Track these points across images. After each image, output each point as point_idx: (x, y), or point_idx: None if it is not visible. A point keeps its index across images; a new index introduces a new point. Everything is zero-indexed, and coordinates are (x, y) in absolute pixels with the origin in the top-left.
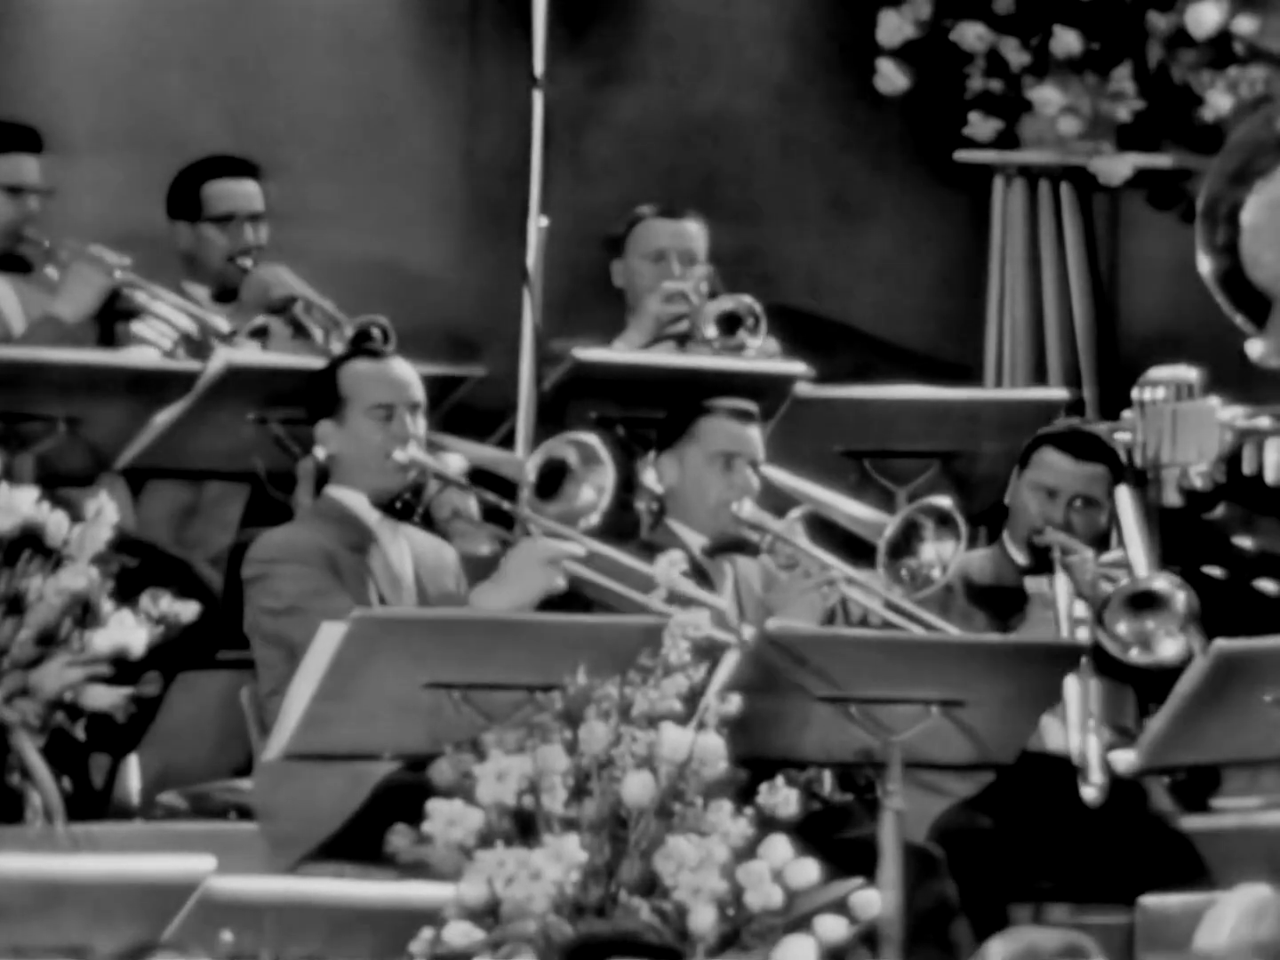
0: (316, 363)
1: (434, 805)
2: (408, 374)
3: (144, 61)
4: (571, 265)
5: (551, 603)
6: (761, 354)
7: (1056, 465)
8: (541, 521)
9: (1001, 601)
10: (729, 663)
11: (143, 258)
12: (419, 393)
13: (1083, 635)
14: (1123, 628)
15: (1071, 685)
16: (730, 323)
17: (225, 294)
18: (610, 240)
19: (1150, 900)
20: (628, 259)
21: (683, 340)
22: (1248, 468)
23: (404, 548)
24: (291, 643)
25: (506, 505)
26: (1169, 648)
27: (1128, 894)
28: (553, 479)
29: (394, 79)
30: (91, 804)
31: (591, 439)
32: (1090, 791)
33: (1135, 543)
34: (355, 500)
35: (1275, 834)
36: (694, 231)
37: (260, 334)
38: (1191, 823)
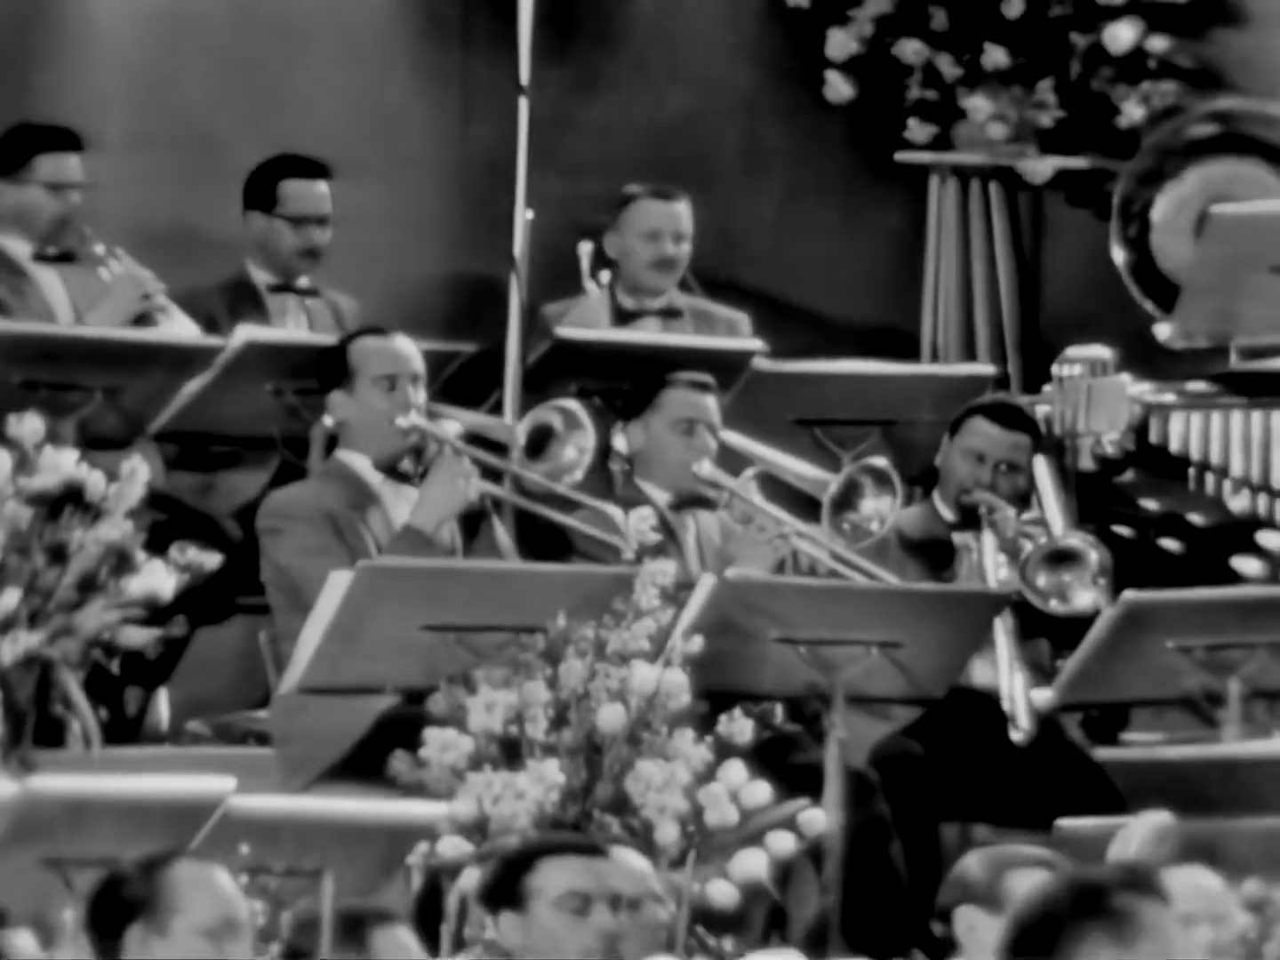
0: (328, 339)
1: (430, 733)
2: (409, 349)
3: (169, 68)
4: (554, 252)
5: (540, 554)
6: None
7: (984, 433)
8: (529, 476)
9: (933, 554)
10: (692, 607)
11: (165, 251)
12: (419, 365)
13: (1005, 585)
14: (1042, 580)
15: (999, 630)
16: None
17: (285, 286)
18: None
19: (1066, 823)
20: (622, 234)
21: (668, 315)
22: (1154, 438)
23: (404, 507)
24: (299, 590)
25: (499, 463)
26: (1083, 598)
27: (1046, 817)
28: (540, 441)
29: (394, 85)
30: (125, 731)
31: (574, 405)
32: (1018, 734)
33: (1052, 504)
34: (360, 463)
35: (1177, 766)
36: (683, 211)
37: None
38: (1103, 754)
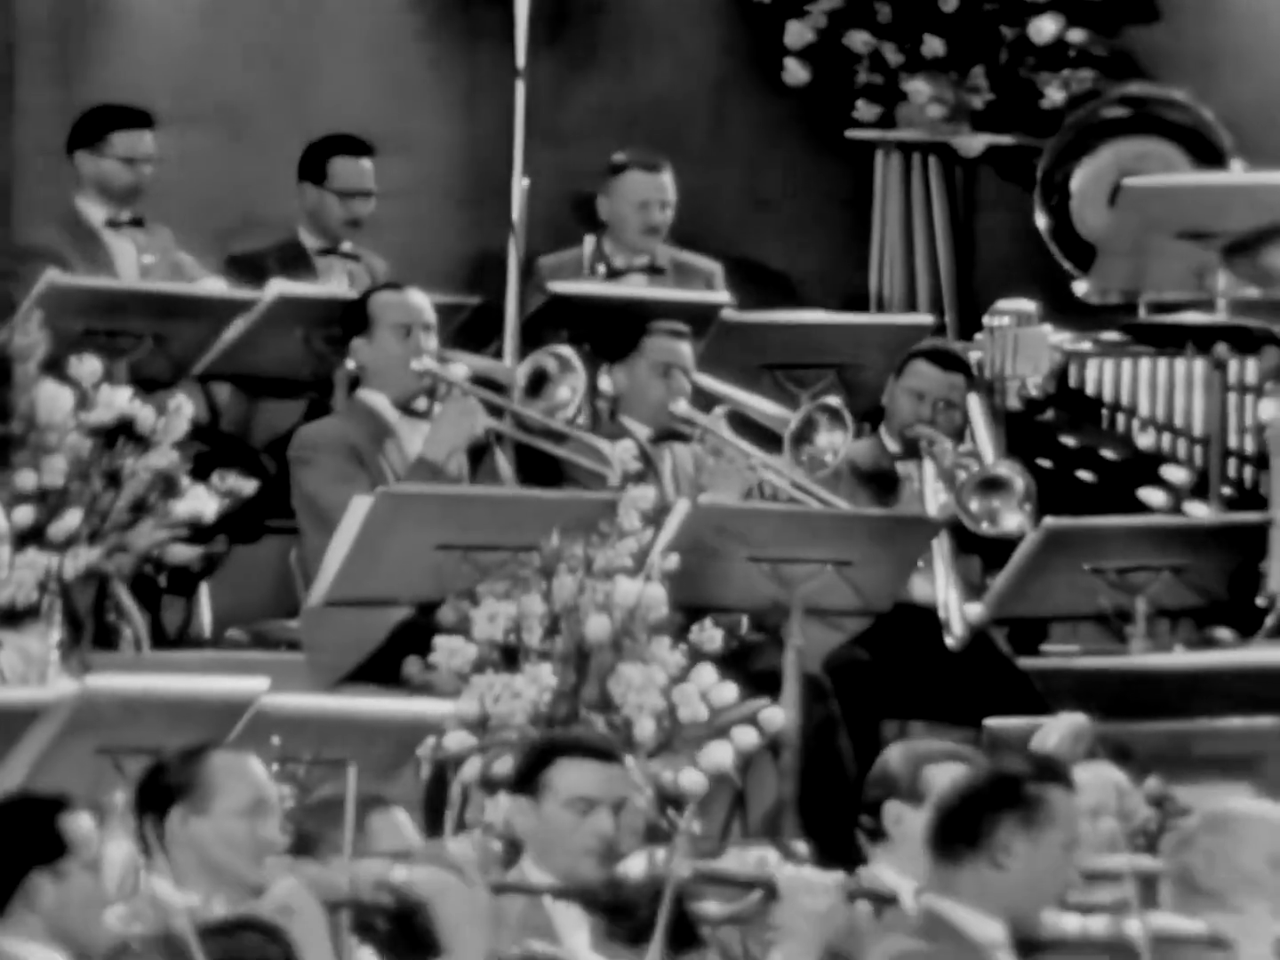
0: (350, 293)
1: (439, 641)
2: (422, 301)
3: (210, 55)
4: (548, 216)
5: (536, 482)
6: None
7: (925, 374)
8: (527, 413)
9: (880, 482)
10: (669, 529)
11: (203, 220)
12: (431, 316)
13: (943, 510)
14: (975, 505)
15: (936, 550)
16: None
17: (331, 250)
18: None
19: (993, 722)
20: (613, 201)
21: (652, 272)
22: (1072, 381)
23: (418, 440)
24: (325, 514)
25: (500, 402)
26: (1011, 521)
27: (976, 717)
28: (536, 382)
29: (408, 70)
30: (171, 636)
31: (568, 350)
32: (952, 640)
33: (984, 437)
34: (379, 401)
35: (1091, 674)
36: (668, 182)
37: None
38: (1026, 662)
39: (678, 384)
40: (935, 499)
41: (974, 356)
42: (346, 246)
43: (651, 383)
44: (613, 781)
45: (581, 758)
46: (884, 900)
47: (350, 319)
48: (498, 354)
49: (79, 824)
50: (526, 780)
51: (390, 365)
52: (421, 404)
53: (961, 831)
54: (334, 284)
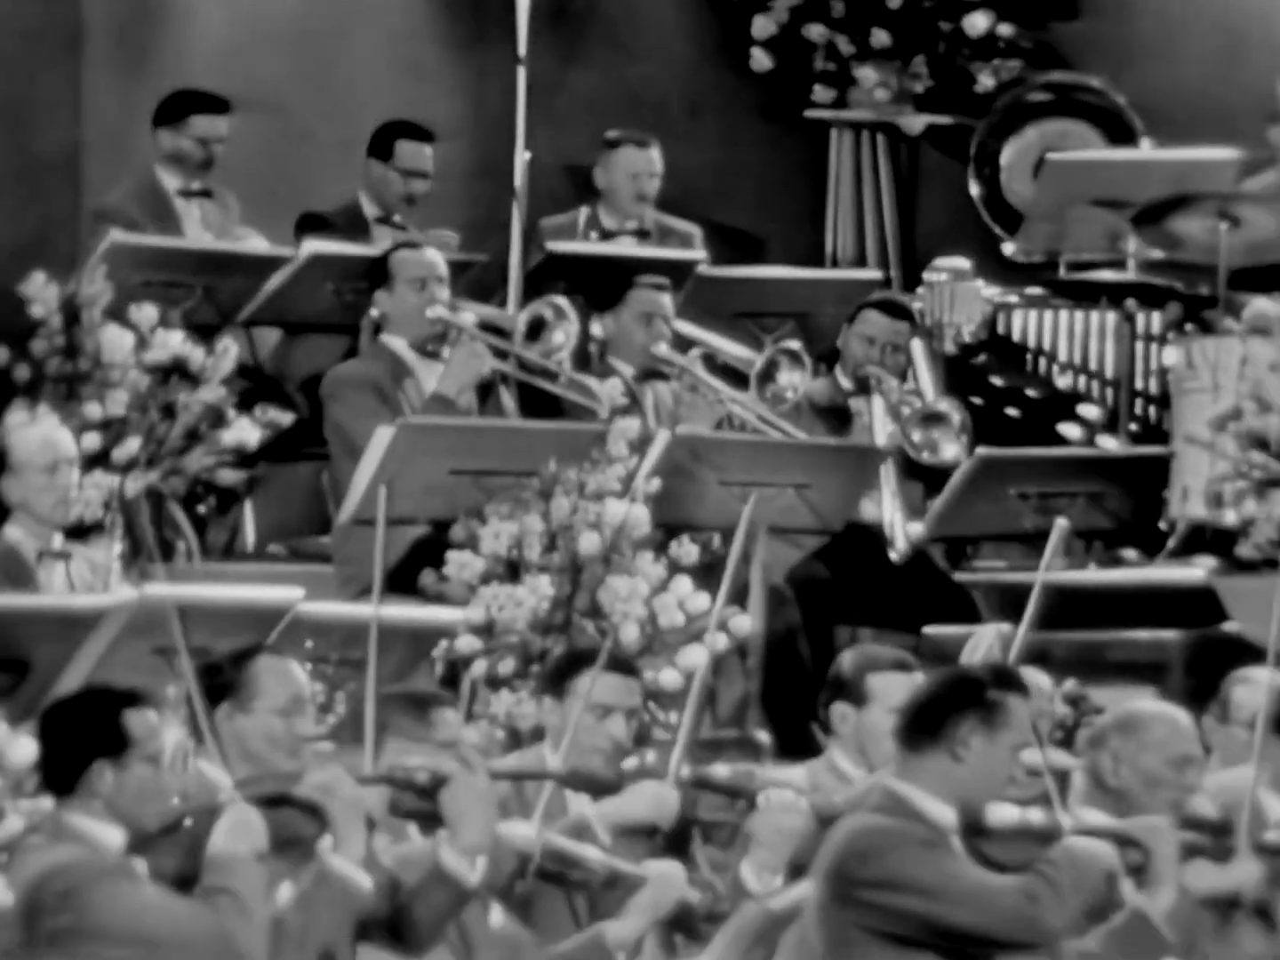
0: (374, 251)
1: (451, 555)
2: (436, 258)
3: (247, 46)
4: (545, 185)
5: (535, 415)
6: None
7: (875, 322)
8: (527, 355)
9: (835, 416)
10: (651, 456)
11: (244, 192)
12: (444, 270)
13: (889, 440)
14: (917, 436)
15: (884, 476)
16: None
17: (386, 220)
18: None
19: (930, 629)
20: (608, 172)
21: (640, 234)
22: (1001, 329)
23: (433, 379)
24: (352, 442)
25: (504, 345)
26: (949, 451)
27: (916, 624)
28: (535, 328)
29: (423, 58)
30: (219, 550)
31: (563, 301)
32: (896, 556)
33: (925, 377)
34: (399, 345)
35: (1016, 587)
36: (656, 156)
37: None
38: (960, 576)
39: (659, 330)
40: (883, 431)
41: (916, 307)
42: (397, 219)
43: (636, 329)
44: (630, 693)
45: (605, 670)
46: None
47: (374, 273)
48: (502, 304)
49: (144, 720)
50: (556, 683)
51: (408, 314)
52: (435, 347)
53: (927, 725)
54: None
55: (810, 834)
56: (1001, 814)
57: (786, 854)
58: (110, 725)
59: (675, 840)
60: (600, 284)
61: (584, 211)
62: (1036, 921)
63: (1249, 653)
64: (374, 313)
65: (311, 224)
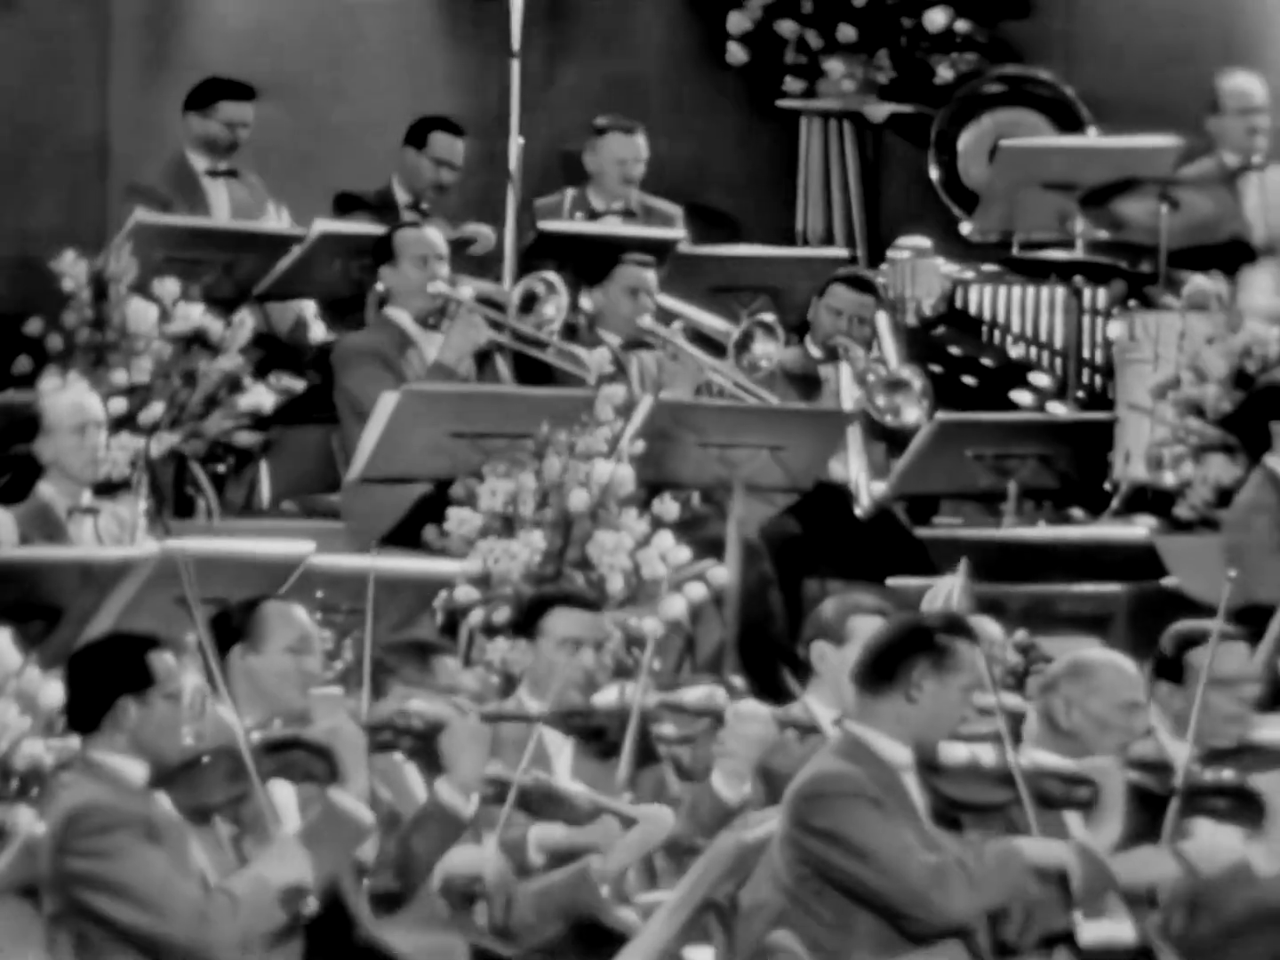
0: (380, 230)
1: (453, 511)
2: (437, 236)
3: (264, 39)
4: (537, 168)
5: (529, 381)
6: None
7: (842, 295)
8: (521, 327)
9: (805, 382)
10: (636, 420)
11: (261, 172)
12: (444, 248)
13: (855, 405)
14: (881, 401)
15: (850, 438)
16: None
17: (415, 206)
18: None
19: (894, 580)
20: (597, 157)
21: (626, 214)
22: (959, 303)
23: (434, 348)
24: (360, 407)
25: (500, 318)
26: (910, 415)
27: (880, 575)
28: (529, 302)
29: (425, 53)
30: (236, 507)
31: (553, 276)
32: (859, 510)
33: (889, 346)
34: (402, 316)
35: (972, 541)
36: (642, 142)
37: None
38: (921, 532)
39: (643, 303)
40: (849, 396)
41: (880, 282)
42: (424, 206)
43: (622, 302)
44: (594, 626)
45: (570, 607)
46: (808, 729)
47: (379, 250)
48: (497, 279)
49: (164, 661)
50: (525, 625)
51: (411, 288)
52: (436, 319)
53: (882, 670)
54: None
55: (776, 742)
56: (953, 752)
57: (753, 760)
58: (136, 664)
59: (642, 757)
60: (589, 260)
61: (570, 193)
62: (936, 905)
63: (1187, 606)
64: (379, 287)
65: (347, 203)
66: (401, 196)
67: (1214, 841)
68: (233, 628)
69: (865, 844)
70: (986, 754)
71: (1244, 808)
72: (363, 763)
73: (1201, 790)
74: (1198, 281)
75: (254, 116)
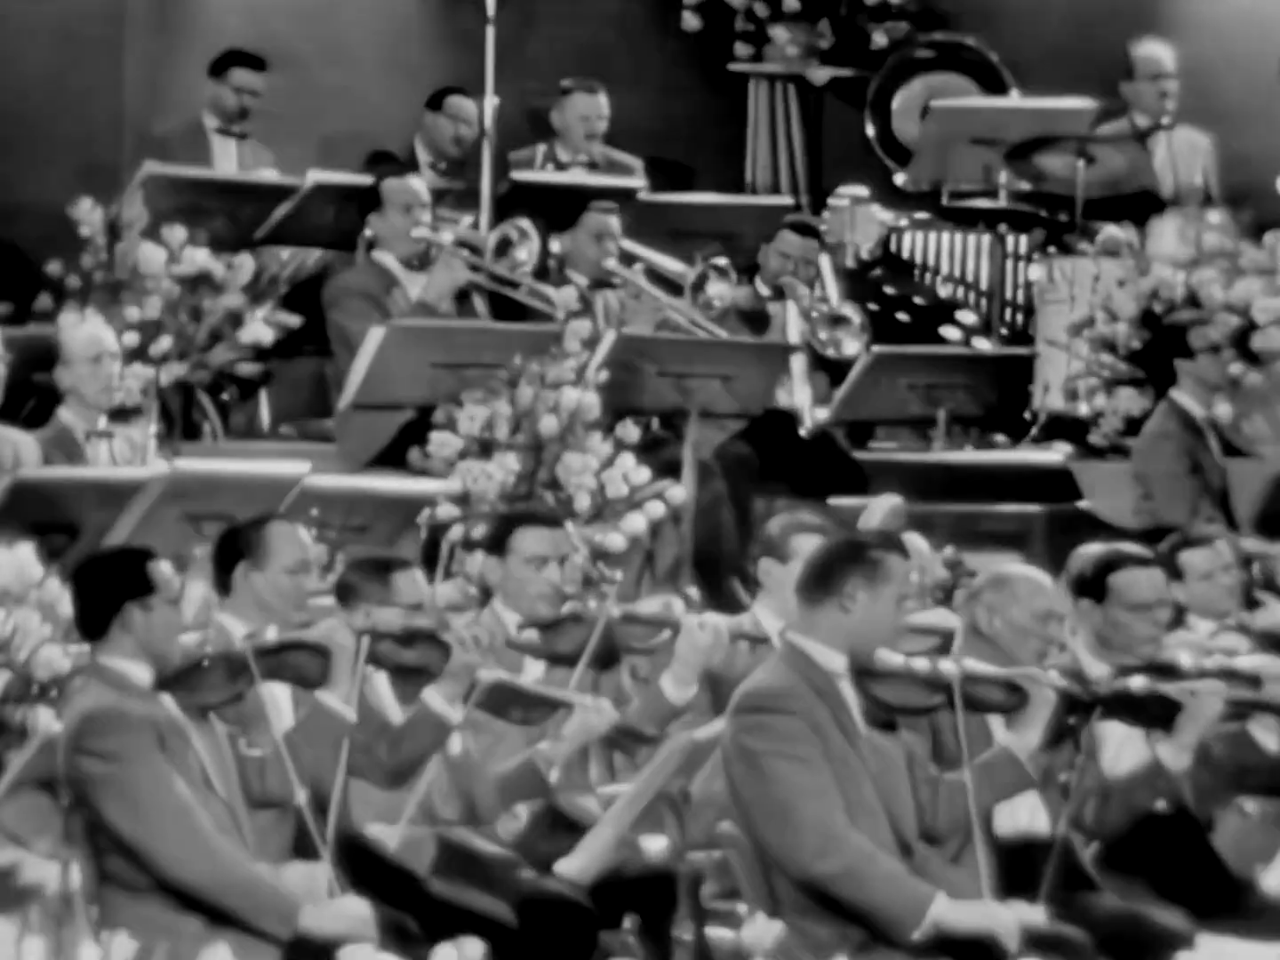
0: (368, 180)
1: (435, 435)
2: (419, 186)
3: (270, 11)
4: (510, 125)
5: (504, 317)
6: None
7: (790, 240)
8: (496, 269)
9: (755, 319)
10: (600, 352)
11: (260, 130)
12: (427, 196)
13: (801, 338)
14: (824, 335)
15: (795, 368)
16: None
17: (434, 166)
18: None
19: (834, 500)
20: (563, 115)
21: (591, 166)
22: (893, 248)
23: (417, 288)
24: (350, 340)
25: (477, 261)
26: (850, 348)
27: (822, 496)
28: (503, 246)
29: (411, 23)
30: (239, 431)
31: (526, 222)
32: (803, 431)
33: (831, 286)
34: (389, 260)
35: (905, 465)
36: (603, 101)
37: None
38: (858, 455)
39: (608, 247)
40: (795, 331)
41: (823, 228)
42: (442, 166)
43: (589, 245)
44: (559, 542)
45: (535, 525)
46: (758, 640)
47: (368, 199)
48: (475, 225)
49: (162, 570)
50: (496, 544)
51: (396, 233)
52: (420, 262)
53: (819, 582)
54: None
55: (725, 651)
56: (887, 659)
57: (700, 667)
58: (138, 573)
59: (603, 661)
60: (558, 208)
61: (541, 148)
62: (804, 857)
63: (1099, 526)
64: (368, 232)
65: (379, 159)
66: (423, 156)
67: (1123, 744)
68: (239, 545)
69: (771, 773)
70: (920, 662)
71: (1156, 713)
72: (349, 666)
73: (1119, 696)
74: (1110, 230)
75: (262, 86)
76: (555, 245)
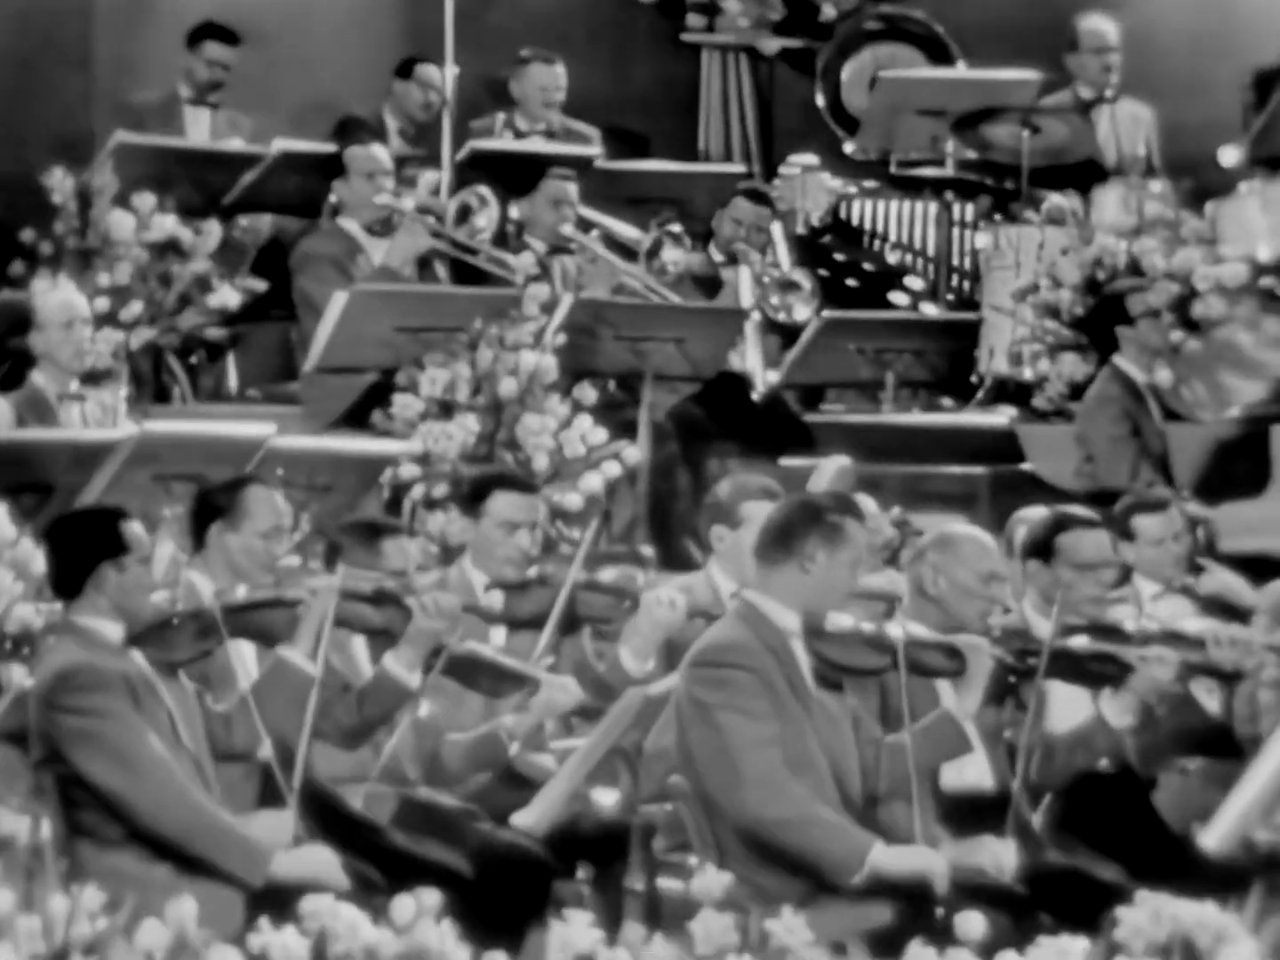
0: (331, 149)
1: (397, 397)
2: (383, 154)
3: None
4: (469, 93)
5: (464, 282)
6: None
7: (743, 207)
8: (456, 235)
9: (709, 284)
10: (558, 315)
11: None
12: (390, 164)
13: (753, 303)
14: (775, 300)
15: (748, 331)
16: None
17: (404, 133)
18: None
19: (785, 460)
20: (522, 85)
21: (549, 135)
22: (843, 215)
23: (380, 254)
24: (315, 304)
25: (438, 227)
26: (801, 313)
27: (773, 456)
28: (463, 213)
29: None
30: (207, 393)
31: (485, 189)
32: (756, 395)
33: (783, 253)
34: (353, 226)
35: (853, 427)
36: (561, 72)
37: None
38: (809, 417)
39: (565, 213)
40: (748, 296)
41: (775, 195)
42: (411, 132)
43: (547, 212)
44: (530, 509)
45: (511, 490)
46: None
47: (332, 167)
48: (436, 192)
49: (134, 529)
50: (471, 505)
51: (360, 200)
52: (383, 228)
53: (779, 542)
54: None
55: (683, 626)
56: (838, 620)
57: (658, 641)
58: (111, 532)
59: (567, 626)
60: (516, 175)
61: (500, 116)
62: (747, 800)
63: (1042, 488)
64: (333, 198)
65: (350, 125)
66: (392, 123)
67: (1068, 701)
68: (215, 505)
69: (720, 725)
70: (869, 625)
71: (1103, 672)
72: (314, 626)
73: (1066, 655)
74: (1055, 199)
75: (233, 60)
76: (514, 212)
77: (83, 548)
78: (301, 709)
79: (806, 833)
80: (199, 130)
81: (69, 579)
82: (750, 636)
